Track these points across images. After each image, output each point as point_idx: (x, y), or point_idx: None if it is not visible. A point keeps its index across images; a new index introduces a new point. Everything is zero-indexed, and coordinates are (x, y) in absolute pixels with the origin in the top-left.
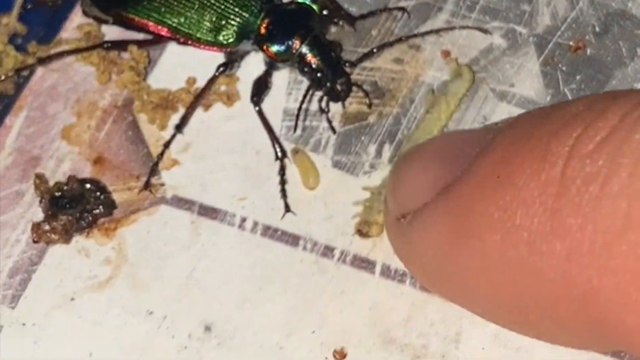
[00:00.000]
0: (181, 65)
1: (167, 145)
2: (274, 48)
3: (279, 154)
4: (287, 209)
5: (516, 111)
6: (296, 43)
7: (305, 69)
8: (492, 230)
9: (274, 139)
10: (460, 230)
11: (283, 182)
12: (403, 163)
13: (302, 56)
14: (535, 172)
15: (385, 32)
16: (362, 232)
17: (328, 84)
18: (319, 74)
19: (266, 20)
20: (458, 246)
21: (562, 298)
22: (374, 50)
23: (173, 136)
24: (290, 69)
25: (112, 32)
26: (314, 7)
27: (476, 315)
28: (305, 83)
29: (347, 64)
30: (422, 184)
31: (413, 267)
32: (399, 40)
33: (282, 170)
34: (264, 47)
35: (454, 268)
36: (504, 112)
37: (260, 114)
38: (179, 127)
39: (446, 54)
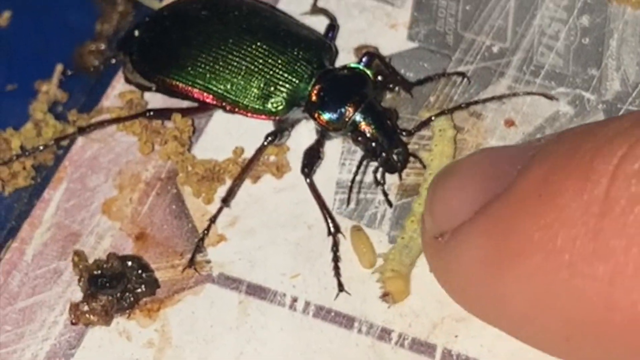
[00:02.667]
0: (228, 134)
1: (213, 219)
2: (326, 116)
3: (332, 230)
4: (341, 288)
5: None
6: (349, 110)
7: (359, 138)
8: (532, 252)
9: (327, 213)
10: (498, 251)
11: (336, 259)
12: (440, 180)
13: (355, 124)
14: (577, 191)
15: (444, 98)
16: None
17: (383, 154)
18: (373, 144)
19: (317, 87)
20: (496, 267)
21: (604, 323)
22: (432, 118)
23: (220, 210)
24: (343, 138)
25: (155, 100)
26: (368, 72)
27: None
28: (359, 153)
29: (403, 133)
30: (460, 202)
31: (450, 286)
32: (459, 107)
33: (335, 247)
34: (315, 115)
35: (492, 289)
36: None
37: (312, 186)
38: (226, 200)
39: (509, 122)
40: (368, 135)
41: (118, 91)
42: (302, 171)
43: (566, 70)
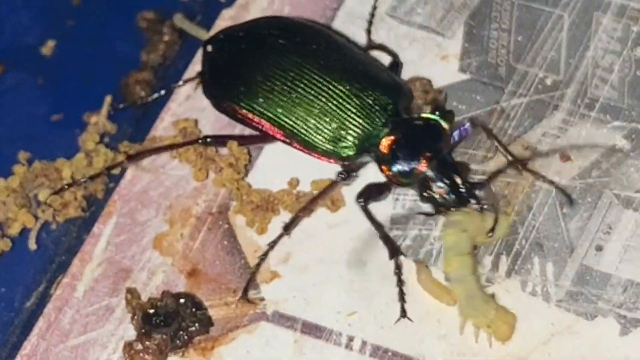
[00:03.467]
0: (280, 165)
1: (272, 245)
2: (395, 169)
3: (393, 252)
4: (404, 314)
5: None
6: (420, 167)
7: (425, 195)
8: None
9: (385, 235)
10: None
11: (400, 282)
12: None
13: (424, 181)
14: None
15: (497, 131)
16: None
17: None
18: (441, 202)
19: (390, 138)
20: None
21: None
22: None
23: (279, 237)
24: None
25: (207, 129)
26: (444, 123)
27: None
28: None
29: (476, 187)
30: None
31: None
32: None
33: (398, 270)
34: (383, 168)
35: None
36: (630, 220)
37: (366, 211)
38: (287, 228)
39: (565, 157)
40: (436, 194)
41: (167, 123)
42: (357, 199)
43: (621, 103)
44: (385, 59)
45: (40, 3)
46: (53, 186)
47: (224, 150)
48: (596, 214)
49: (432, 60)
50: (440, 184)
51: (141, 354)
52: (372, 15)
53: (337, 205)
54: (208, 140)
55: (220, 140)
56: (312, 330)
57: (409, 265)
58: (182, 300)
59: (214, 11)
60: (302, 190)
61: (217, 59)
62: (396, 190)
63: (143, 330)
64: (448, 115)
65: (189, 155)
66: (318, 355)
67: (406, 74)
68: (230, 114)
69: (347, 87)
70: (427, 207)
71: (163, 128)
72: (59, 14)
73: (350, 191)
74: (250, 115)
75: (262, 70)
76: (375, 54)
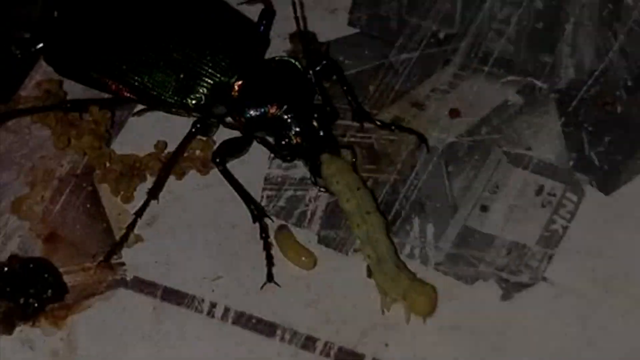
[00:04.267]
0: (151, 128)
1: (139, 213)
2: (247, 114)
3: (256, 214)
4: (270, 278)
5: (533, 178)
6: (273, 110)
7: (283, 142)
8: None
9: (248, 198)
10: None
11: (268, 246)
12: None
13: (279, 125)
14: None
15: (384, 88)
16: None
17: (309, 163)
18: (297, 147)
19: (239, 82)
20: None
21: None
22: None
23: (146, 203)
24: None
25: (74, 91)
26: (298, 64)
27: None
28: None
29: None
30: None
31: None
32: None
33: (264, 233)
34: (235, 116)
35: None
36: (519, 179)
37: (226, 173)
38: (153, 193)
39: (454, 113)
40: (292, 140)
41: (35, 81)
42: (213, 159)
43: (517, 57)
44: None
45: None
46: None
47: (87, 116)
48: (483, 173)
49: (320, 13)
50: (294, 128)
51: None
52: None
53: (209, 167)
54: (68, 105)
55: (81, 104)
56: (173, 296)
57: None
58: (31, 265)
59: None
60: (171, 153)
61: (60, 23)
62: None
63: None
64: (327, 66)
65: (49, 120)
66: (177, 323)
67: (290, 29)
68: (77, 77)
69: (192, 35)
70: (302, 167)
71: (32, 87)
72: None
73: None
74: (95, 76)
75: (104, 28)
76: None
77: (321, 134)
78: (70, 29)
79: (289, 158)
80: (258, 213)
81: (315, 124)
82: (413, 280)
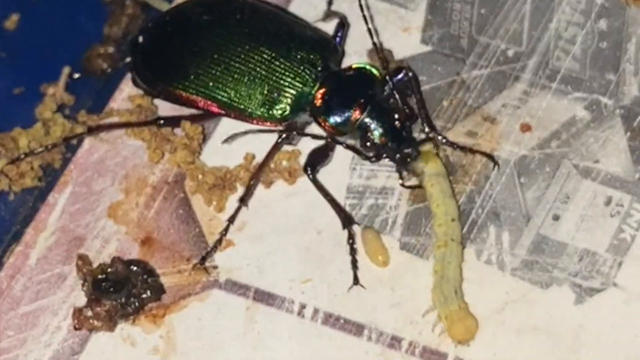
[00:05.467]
0: (237, 140)
1: (231, 220)
2: (331, 120)
3: (346, 222)
4: (356, 281)
5: (601, 190)
6: (355, 114)
7: (368, 144)
8: None
9: (337, 206)
10: None
11: (353, 251)
12: None
13: (363, 128)
14: None
15: (457, 103)
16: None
17: (397, 156)
18: (382, 147)
19: (322, 91)
20: None
21: None
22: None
23: (237, 210)
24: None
25: (165, 104)
26: (374, 71)
27: None
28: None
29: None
30: None
31: None
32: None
33: (351, 239)
34: (320, 120)
35: None
36: (588, 190)
37: (316, 182)
38: (244, 200)
39: (525, 127)
40: (377, 140)
41: (126, 94)
42: (305, 169)
43: (583, 75)
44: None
45: None
46: (10, 156)
47: (179, 130)
48: (554, 184)
49: (394, 32)
50: (377, 128)
51: (90, 320)
52: None
53: (295, 176)
54: (161, 122)
55: (174, 120)
56: (264, 297)
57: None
58: (133, 267)
59: None
60: (259, 163)
61: (147, 47)
62: (353, 160)
63: (93, 297)
64: (407, 77)
65: (144, 134)
66: (270, 323)
67: (369, 45)
68: (165, 97)
69: (274, 50)
70: (384, 174)
71: (122, 99)
72: None
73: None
74: (183, 94)
75: (189, 49)
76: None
77: (404, 133)
78: (156, 52)
79: (374, 159)
80: (347, 220)
81: (397, 124)
82: (462, 308)
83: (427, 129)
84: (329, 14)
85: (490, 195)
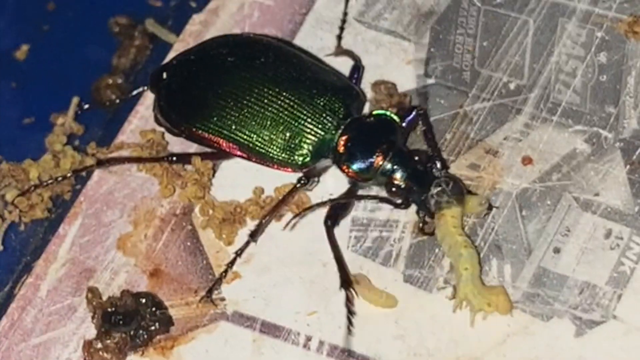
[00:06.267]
0: (244, 171)
1: (239, 253)
2: (354, 167)
3: (343, 282)
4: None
5: (601, 222)
6: (378, 160)
7: (393, 189)
8: None
9: (341, 264)
10: None
11: (351, 313)
12: None
13: (386, 174)
14: None
15: (460, 136)
16: None
17: (422, 197)
18: (408, 192)
19: (344, 138)
20: None
21: None
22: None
23: (246, 244)
24: None
25: (175, 140)
26: (395, 117)
27: None
28: (376, 189)
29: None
30: None
31: None
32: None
33: (349, 302)
34: (344, 167)
35: None
36: (588, 223)
37: (331, 238)
38: (254, 235)
39: (527, 160)
40: (401, 184)
41: (134, 126)
42: (325, 222)
43: (583, 108)
44: (349, 64)
45: (15, 8)
46: (20, 187)
47: (190, 166)
48: (555, 217)
49: (397, 64)
50: (401, 172)
51: (100, 352)
52: (344, 21)
53: (301, 208)
54: (173, 158)
55: (185, 157)
56: (270, 330)
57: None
58: (142, 300)
59: (184, 16)
60: (268, 196)
61: (171, 85)
62: (358, 192)
63: (103, 329)
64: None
65: (156, 170)
66: (276, 355)
67: (372, 78)
68: (187, 137)
69: (297, 96)
70: (388, 206)
71: (130, 131)
72: (33, 18)
73: (313, 195)
74: (206, 135)
75: (213, 90)
76: (342, 58)
77: (427, 175)
78: (179, 91)
79: (403, 206)
80: (346, 281)
81: (419, 166)
82: (492, 287)
83: (439, 166)
84: (340, 52)
85: (493, 228)
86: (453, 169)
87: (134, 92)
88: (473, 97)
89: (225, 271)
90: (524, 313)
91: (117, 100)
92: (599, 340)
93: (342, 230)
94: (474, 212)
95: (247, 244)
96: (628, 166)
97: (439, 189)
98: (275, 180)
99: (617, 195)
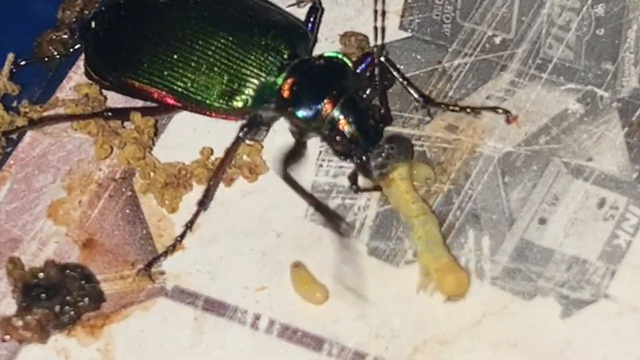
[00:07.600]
0: (193, 131)
1: (190, 225)
2: (300, 113)
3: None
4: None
5: (594, 190)
6: (326, 107)
7: (337, 138)
8: None
9: (319, 206)
10: None
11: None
12: None
13: (333, 123)
14: None
15: (437, 94)
16: None
17: (363, 158)
18: (352, 146)
19: (289, 81)
20: None
21: None
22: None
23: (197, 213)
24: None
25: (114, 95)
26: (348, 61)
27: None
28: None
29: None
30: None
31: None
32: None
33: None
34: (288, 113)
35: None
36: (579, 191)
37: (289, 180)
38: (203, 203)
39: (512, 119)
40: (347, 135)
41: (75, 82)
42: (278, 173)
43: (577, 64)
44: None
45: None
46: None
47: (129, 123)
48: (541, 184)
49: (370, 16)
50: (349, 121)
51: (20, 331)
52: None
53: (257, 172)
54: (109, 114)
55: (123, 112)
56: (215, 307)
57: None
58: (68, 272)
59: None
60: (218, 158)
61: (99, 33)
62: (320, 156)
63: (23, 304)
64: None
65: (90, 128)
66: (219, 335)
67: (341, 30)
68: (118, 88)
69: (235, 36)
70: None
71: (70, 88)
72: None
73: (270, 158)
74: (136, 85)
75: (143, 34)
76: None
77: (378, 130)
78: (108, 39)
79: (342, 156)
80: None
81: (371, 122)
82: (452, 261)
83: (422, 101)
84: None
85: (470, 196)
86: (428, 131)
87: (76, 47)
88: (453, 53)
89: (174, 245)
90: (503, 290)
91: (59, 57)
92: (588, 322)
93: (301, 198)
94: (418, 181)
95: (197, 213)
96: (626, 128)
97: (386, 146)
98: (229, 141)
99: (612, 160)
